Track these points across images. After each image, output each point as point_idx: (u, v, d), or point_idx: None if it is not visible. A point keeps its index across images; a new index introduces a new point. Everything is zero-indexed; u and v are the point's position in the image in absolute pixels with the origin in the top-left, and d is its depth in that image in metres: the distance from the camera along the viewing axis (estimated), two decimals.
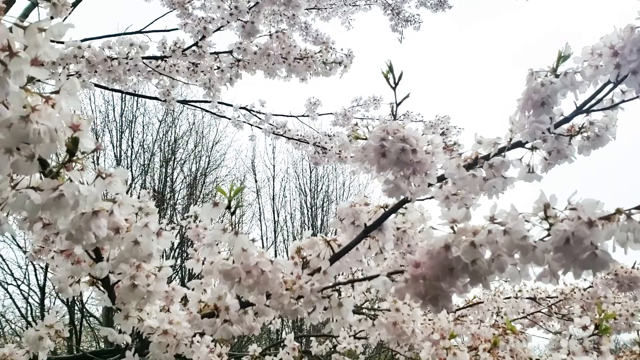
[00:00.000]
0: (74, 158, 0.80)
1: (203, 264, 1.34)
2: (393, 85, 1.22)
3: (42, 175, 0.80)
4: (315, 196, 13.63)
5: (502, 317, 2.36)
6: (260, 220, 12.85)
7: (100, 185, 0.82)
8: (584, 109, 1.27)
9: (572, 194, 0.92)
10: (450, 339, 1.74)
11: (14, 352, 1.57)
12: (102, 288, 1.31)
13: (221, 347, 2.03)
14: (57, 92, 0.73)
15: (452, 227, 0.98)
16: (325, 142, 3.62)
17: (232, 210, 1.21)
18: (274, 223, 13.13)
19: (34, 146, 0.73)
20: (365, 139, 1.21)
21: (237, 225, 1.23)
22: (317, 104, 3.90)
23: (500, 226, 0.92)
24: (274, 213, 13.22)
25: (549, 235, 0.91)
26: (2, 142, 0.71)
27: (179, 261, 9.95)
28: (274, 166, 13.86)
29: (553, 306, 2.51)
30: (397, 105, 1.24)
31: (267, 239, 12.90)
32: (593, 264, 0.87)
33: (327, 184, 13.80)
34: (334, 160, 3.58)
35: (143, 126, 12.00)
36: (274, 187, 13.58)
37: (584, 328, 1.85)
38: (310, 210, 13.47)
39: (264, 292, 1.29)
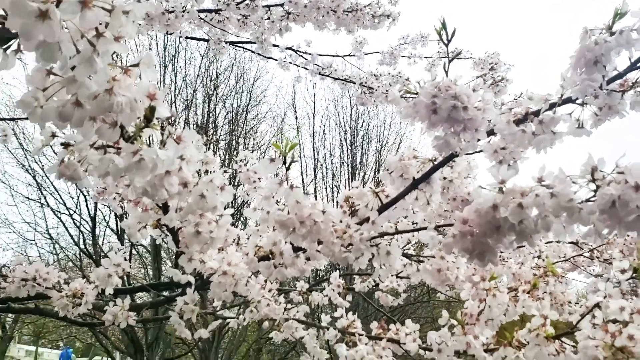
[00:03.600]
0: (150, 124, 0.86)
1: (260, 212, 1.43)
2: (446, 42, 1.24)
3: (122, 140, 0.87)
4: (355, 134, 13.62)
5: (543, 260, 2.39)
6: (300, 157, 12.98)
7: (174, 149, 0.88)
8: (639, 64, 1.27)
9: (620, 157, 0.95)
10: (491, 280, 1.79)
11: (85, 287, 1.71)
12: (166, 232, 1.41)
13: (271, 283, 2.16)
14: (136, 65, 0.79)
15: (500, 188, 1.02)
16: (372, 82, 3.60)
17: (287, 165, 1.27)
18: (314, 160, 13.25)
19: (116, 115, 0.79)
20: (417, 94, 1.24)
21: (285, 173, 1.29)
22: (363, 43, 3.87)
23: (548, 189, 0.95)
24: (313, 150, 13.33)
25: (595, 196, 0.95)
26: (88, 111, 0.78)
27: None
28: (314, 103, 13.85)
29: (595, 250, 2.54)
30: (450, 61, 1.25)
31: (307, 175, 13.07)
32: (638, 226, 0.90)
33: (367, 121, 13.76)
34: (381, 100, 3.57)
35: (185, 61, 12.09)
36: (314, 124, 13.63)
37: (622, 271, 1.89)
38: (350, 148, 13.50)
39: (316, 240, 1.37)
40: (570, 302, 2.07)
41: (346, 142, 13.58)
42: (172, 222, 1.19)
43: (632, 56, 1.24)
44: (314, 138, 13.44)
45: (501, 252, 2.57)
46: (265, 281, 2.16)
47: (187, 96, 11.74)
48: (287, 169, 1.26)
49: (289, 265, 1.46)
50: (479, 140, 1.24)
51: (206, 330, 1.83)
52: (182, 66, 11.96)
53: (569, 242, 2.56)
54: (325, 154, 13.50)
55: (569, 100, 1.31)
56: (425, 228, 1.36)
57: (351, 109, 13.64)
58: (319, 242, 1.39)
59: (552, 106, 1.32)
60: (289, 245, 1.45)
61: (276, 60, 3.67)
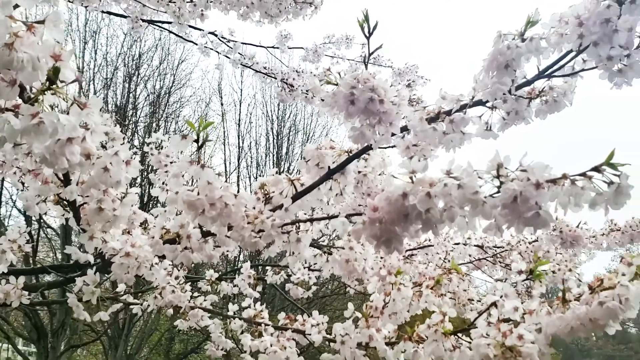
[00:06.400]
0: (54, 87, 0.81)
1: (167, 192, 1.39)
2: (367, 35, 1.25)
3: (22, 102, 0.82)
4: (282, 124, 13.54)
5: (449, 261, 2.49)
6: (224, 145, 12.74)
7: (77, 114, 0.84)
8: (546, 73, 1.33)
9: (523, 156, 0.99)
10: (397, 276, 1.83)
11: None
12: (67, 208, 1.34)
13: (178, 270, 2.10)
14: (41, 22, 0.74)
15: (411, 178, 1.04)
16: (293, 79, 3.58)
17: (199, 144, 1.24)
18: (238, 149, 13.03)
19: (16, 73, 0.74)
20: (337, 84, 1.25)
21: (201, 153, 1.26)
22: (288, 37, 3.85)
23: (455, 180, 0.99)
24: (238, 138, 13.09)
25: (498, 192, 0.99)
26: None
27: (140, 185, 9.91)
28: (241, 90, 13.64)
29: (498, 255, 2.67)
30: (370, 54, 1.27)
31: (230, 163, 12.82)
32: (535, 222, 0.95)
33: (295, 113, 13.69)
34: (301, 99, 3.55)
35: (107, 38, 11.60)
36: (240, 112, 13.40)
37: (519, 272, 2.00)
38: (276, 138, 13.40)
39: (226, 224, 1.34)
40: (472, 300, 2.15)
41: (272, 132, 13.44)
42: (72, 195, 1.13)
43: (540, 65, 1.31)
44: (239, 126, 13.20)
45: (412, 250, 2.64)
46: (173, 268, 2.11)
47: (107, 75, 11.27)
48: (200, 147, 1.23)
49: (195, 250, 1.42)
50: (393, 134, 1.26)
51: (106, 313, 1.76)
52: (103, 43, 11.49)
53: (475, 245, 2.67)
54: (250, 142, 13.28)
55: (479, 103, 1.36)
56: (337, 216, 1.37)
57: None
58: (230, 227, 1.37)
59: (463, 107, 1.37)
60: (198, 229, 1.42)
61: (197, 44, 3.58)
